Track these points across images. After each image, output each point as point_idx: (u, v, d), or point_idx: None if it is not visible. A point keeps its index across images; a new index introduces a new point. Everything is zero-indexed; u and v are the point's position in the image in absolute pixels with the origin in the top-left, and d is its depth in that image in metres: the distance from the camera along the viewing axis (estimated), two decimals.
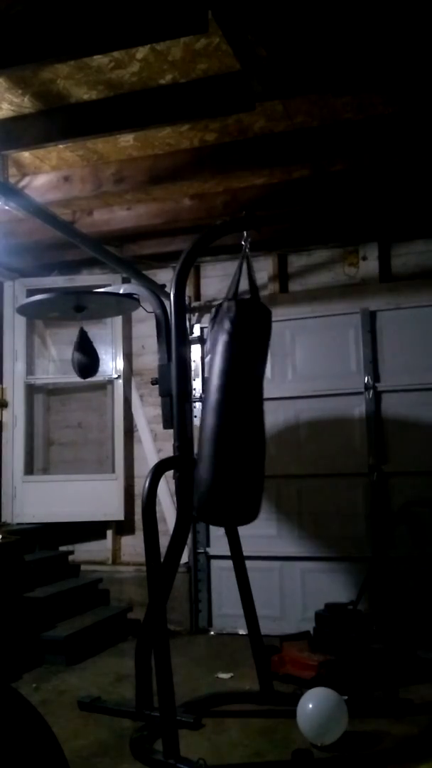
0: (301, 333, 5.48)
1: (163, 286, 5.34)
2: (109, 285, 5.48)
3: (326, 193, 4.56)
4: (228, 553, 3.89)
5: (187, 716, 3.48)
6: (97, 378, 5.96)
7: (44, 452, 6.28)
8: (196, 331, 5.68)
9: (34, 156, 4.20)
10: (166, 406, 3.80)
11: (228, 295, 3.51)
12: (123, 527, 5.93)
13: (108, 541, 5.96)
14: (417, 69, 3.27)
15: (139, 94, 3.45)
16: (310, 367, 5.43)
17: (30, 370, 6.19)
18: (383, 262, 5.39)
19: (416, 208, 4.97)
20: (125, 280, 5.67)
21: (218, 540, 5.27)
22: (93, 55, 3.04)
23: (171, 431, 3.69)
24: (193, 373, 4.83)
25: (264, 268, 5.64)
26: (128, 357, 6.04)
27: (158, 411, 4.08)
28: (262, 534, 5.22)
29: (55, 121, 3.65)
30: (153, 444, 5.86)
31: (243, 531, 3.90)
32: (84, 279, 6.03)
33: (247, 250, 3.64)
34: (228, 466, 3.36)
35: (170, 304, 3.69)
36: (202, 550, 5.52)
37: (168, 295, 3.78)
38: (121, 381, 5.98)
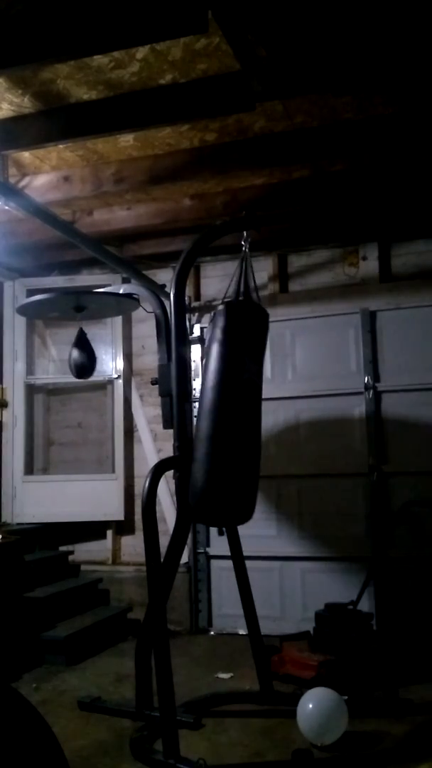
0: (301, 333, 5.48)
1: (163, 286, 5.34)
2: (109, 285, 5.48)
3: (326, 193, 4.56)
4: (228, 553, 3.89)
5: (187, 716, 3.48)
6: (97, 378, 5.98)
7: (44, 452, 6.28)
8: (196, 331, 5.67)
9: (34, 156, 4.20)
10: (166, 406, 3.80)
11: (226, 296, 3.53)
12: (123, 527, 5.93)
13: (108, 541, 5.96)
14: (417, 69, 3.27)
15: (139, 94, 3.45)
16: (310, 367, 5.43)
17: (30, 370, 6.19)
18: (383, 262, 5.39)
19: (416, 208, 4.97)
20: (125, 280, 5.67)
21: (218, 540, 5.25)
22: (93, 55, 3.04)
23: (171, 431, 3.69)
24: (193, 373, 4.83)
25: (264, 268, 5.64)
26: (128, 357, 6.04)
27: (158, 411, 4.08)
28: (262, 534, 5.23)
29: (55, 121, 3.65)
30: (153, 444, 5.86)
31: (243, 531, 3.90)
32: (84, 279, 6.03)
33: (246, 250, 3.65)
34: (220, 466, 3.39)
35: (170, 304, 3.69)
36: (202, 550, 5.52)
37: (168, 295, 3.78)
38: (121, 381, 5.98)
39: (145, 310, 4.55)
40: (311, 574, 5.25)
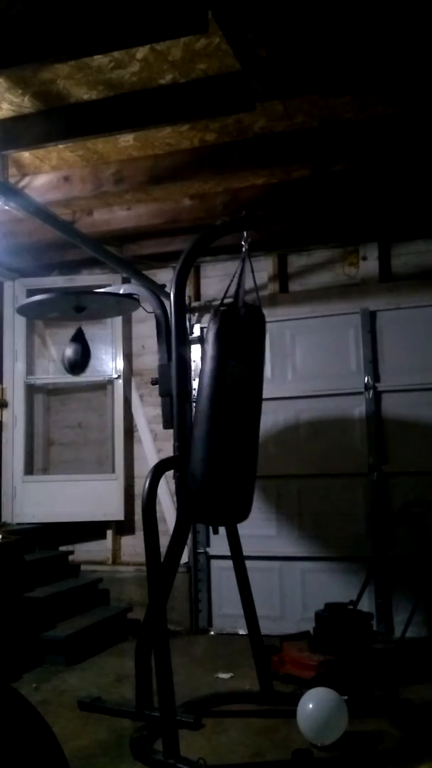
0: (301, 333, 5.48)
1: (163, 286, 5.34)
2: (109, 285, 5.48)
3: (326, 193, 4.56)
4: (228, 553, 3.89)
5: (187, 716, 3.48)
6: (97, 378, 5.99)
7: (44, 452, 6.28)
8: (196, 331, 5.67)
9: (34, 156, 4.20)
10: (166, 406, 3.81)
11: (226, 297, 3.56)
12: (123, 527, 5.93)
13: (108, 541, 5.96)
14: (417, 69, 3.27)
15: (139, 94, 3.45)
16: (310, 367, 5.43)
17: (30, 370, 6.19)
18: (383, 262, 5.39)
19: (416, 208, 4.97)
20: (125, 280, 5.67)
21: (218, 540, 5.24)
22: (93, 55, 3.05)
23: (171, 431, 3.69)
24: (193, 373, 4.83)
25: (264, 268, 5.64)
26: (128, 357, 6.04)
27: (158, 411, 4.08)
28: (262, 534, 5.23)
29: (55, 121, 3.65)
30: (153, 444, 5.86)
31: (243, 531, 3.90)
32: (84, 279, 6.03)
33: (245, 251, 3.65)
34: (216, 467, 3.42)
35: (170, 304, 3.69)
36: (202, 550, 5.52)
37: (168, 295, 3.78)
38: (121, 381, 5.98)
39: (145, 310, 4.55)
40: (311, 574, 5.25)
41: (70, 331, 5.10)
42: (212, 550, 5.48)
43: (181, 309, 3.68)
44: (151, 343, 5.10)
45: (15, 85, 3.39)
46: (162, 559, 3.39)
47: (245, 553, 3.92)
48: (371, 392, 5.19)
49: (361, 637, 4.16)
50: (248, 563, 3.93)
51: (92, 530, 5.97)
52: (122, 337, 6.01)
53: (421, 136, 3.84)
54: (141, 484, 3.92)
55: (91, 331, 4.86)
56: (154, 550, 3.27)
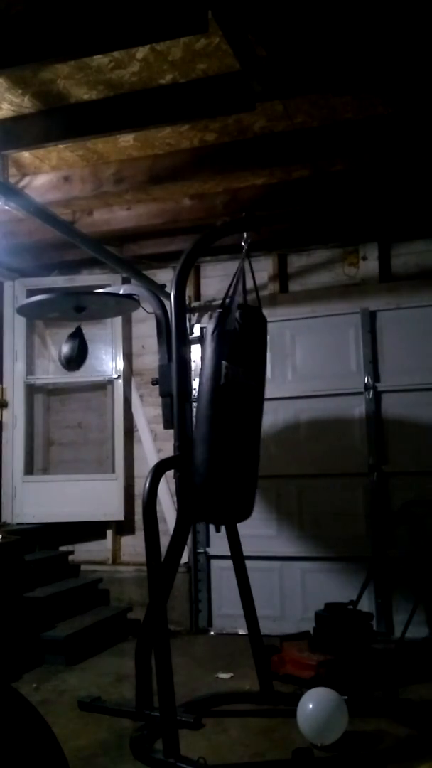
0: (301, 333, 5.48)
1: (163, 286, 5.34)
2: (109, 285, 5.49)
3: (326, 193, 4.56)
4: (228, 553, 3.89)
5: (187, 716, 3.48)
6: (97, 378, 5.99)
7: (44, 452, 6.28)
8: (196, 331, 5.67)
9: (34, 156, 4.20)
10: (167, 406, 3.81)
11: (226, 298, 3.57)
12: (123, 527, 5.93)
13: (108, 541, 5.96)
14: (416, 70, 3.27)
15: (139, 94, 3.46)
16: (310, 367, 5.43)
17: (30, 370, 6.19)
18: (383, 262, 5.39)
19: (416, 208, 4.97)
20: (125, 281, 5.67)
21: (218, 540, 5.26)
22: (93, 55, 3.05)
23: (171, 431, 3.69)
24: (193, 373, 4.83)
25: (264, 268, 5.64)
26: (128, 357, 6.04)
27: (158, 411, 4.08)
28: (262, 534, 5.23)
29: (55, 121, 3.65)
30: (153, 444, 5.86)
31: (243, 531, 3.90)
32: (84, 279, 6.03)
33: (245, 251, 3.65)
34: (218, 465, 3.44)
35: (170, 305, 3.69)
36: (202, 550, 5.52)
37: (168, 295, 3.78)
38: (121, 381, 5.98)
39: (145, 310, 4.55)
40: (311, 574, 5.25)
41: (70, 332, 5.09)
42: (212, 550, 5.48)
43: (181, 309, 3.68)
44: (151, 343, 5.10)
45: (15, 85, 3.39)
46: (162, 559, 3.40)
47: (245, 553, 3.92)
48: (371, 392, 5.20)
49: (361, 637, 4.16)
50: (248, 563, 3.93)
51: (92, 530, 5.97)
52: (122, 337, 6.01)
53: (420, 137, 3.84)
54: (141, 484, 3.92)
55: (91, 331, 4.86)
56: (154, 550, 3.27)
